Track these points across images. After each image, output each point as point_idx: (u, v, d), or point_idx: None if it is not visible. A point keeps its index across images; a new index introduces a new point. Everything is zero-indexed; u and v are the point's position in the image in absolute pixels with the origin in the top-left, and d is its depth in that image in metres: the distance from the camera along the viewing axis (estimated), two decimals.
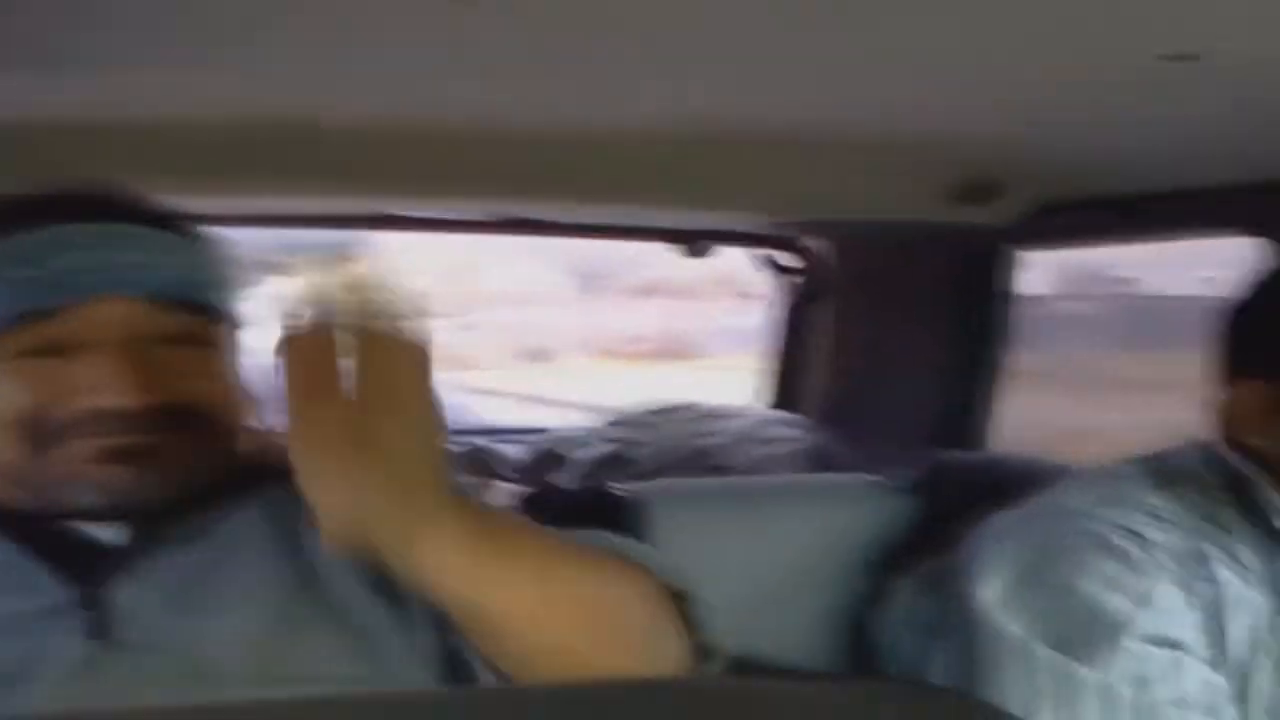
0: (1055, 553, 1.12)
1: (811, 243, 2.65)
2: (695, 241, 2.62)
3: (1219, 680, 1.05)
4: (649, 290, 6.40)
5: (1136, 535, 1.10)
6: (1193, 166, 1.71)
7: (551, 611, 0.84)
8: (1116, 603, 1.06)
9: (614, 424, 2.38)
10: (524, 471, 2.30)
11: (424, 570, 0.79)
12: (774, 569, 1.34)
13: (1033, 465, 1.43)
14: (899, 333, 2.50)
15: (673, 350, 6.16)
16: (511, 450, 2.36)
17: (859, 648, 1.33)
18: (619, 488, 1.39)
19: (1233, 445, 1.18)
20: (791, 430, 2.39)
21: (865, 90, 1.38)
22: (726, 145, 1.67)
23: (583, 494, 1.56)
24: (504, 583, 0.82)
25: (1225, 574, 1.08)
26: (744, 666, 1.21)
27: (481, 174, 1.78)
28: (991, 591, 1.14)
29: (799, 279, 2.71)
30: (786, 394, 2.75)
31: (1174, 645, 1.05)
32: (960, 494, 1.28)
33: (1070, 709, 1.03)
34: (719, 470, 2.19)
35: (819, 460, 2.28)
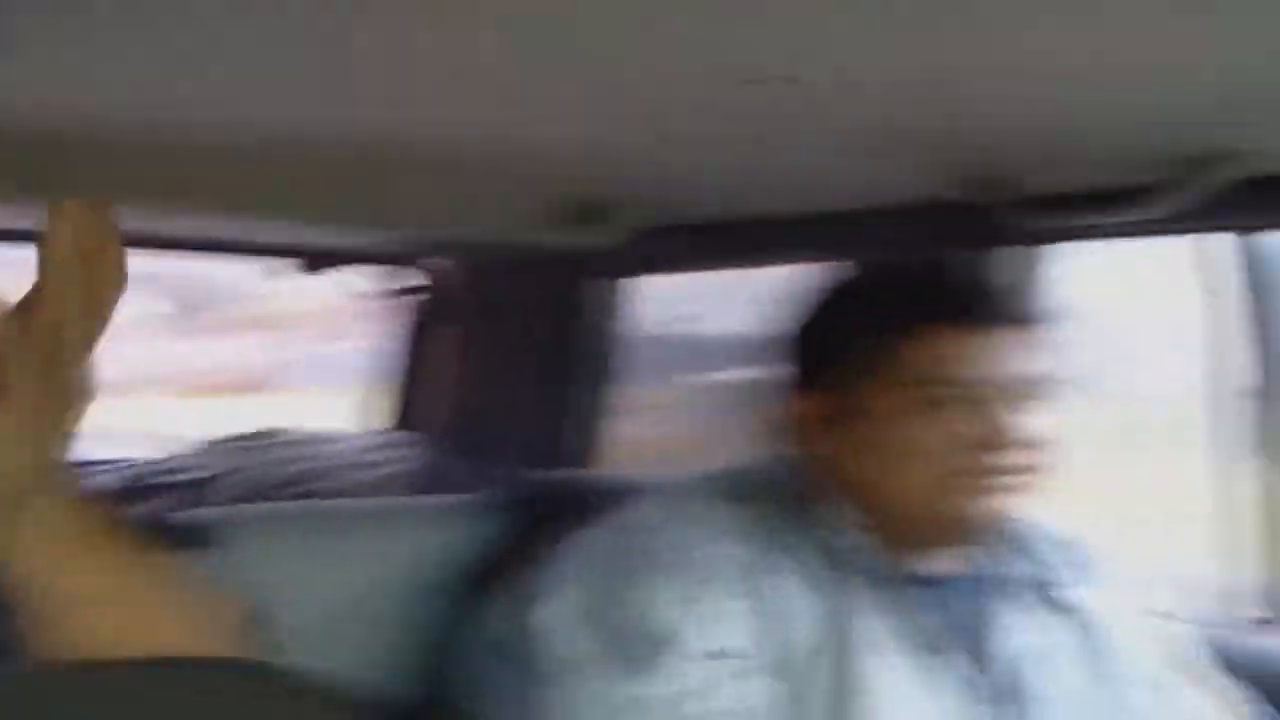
0: (612, 570, 1.13)
1: (432, 263, 2.62)
2: (311, 259, 2.53)
3: (765, 688, 1.07)
4: (245, 322, 6.23)
5: (691, 547, 1.12)
6: (785, 194, 1.79)
7: (120, 610, 0.81)
8: (666, 615, 1.07)
9: (205, 451, 2.26)
10: (110, 500, 2.14)
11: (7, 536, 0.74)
12: (355, 592, 1.29)
13: (623, 482, 1.45)
14: (512, 355, 2.51)
15: (258, 382, 6.02)
16: (98, 479, 2.19)
17: (441, 672, 1.29)
18: (192, 514, 1.30)
19: (798, 457, 1.23)
20: (401, 452, 2.35)
21: (472, 106, 1.36)
22: (341, 157, 1.61)
23: (157, 521, 1.45)
24: (83, 569, 0.77)
25: (780, 583, 1.12)
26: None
27: (63, 179, 1.64)
28: (548, 610, 1.13)
29: (419, 299, 2.68)
30: (409, 416, 2.70)
31: (731, 656, 1.07)
32: (551, 512, 1.27)
33: None
34: (317, 496, 2.11)
35: (430, 482, 2.25)
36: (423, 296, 2.63)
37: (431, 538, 1.39)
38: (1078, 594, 1.27)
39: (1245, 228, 1.60)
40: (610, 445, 2.45)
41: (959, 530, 1.18)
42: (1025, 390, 1.18)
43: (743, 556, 1.12)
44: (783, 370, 1.25)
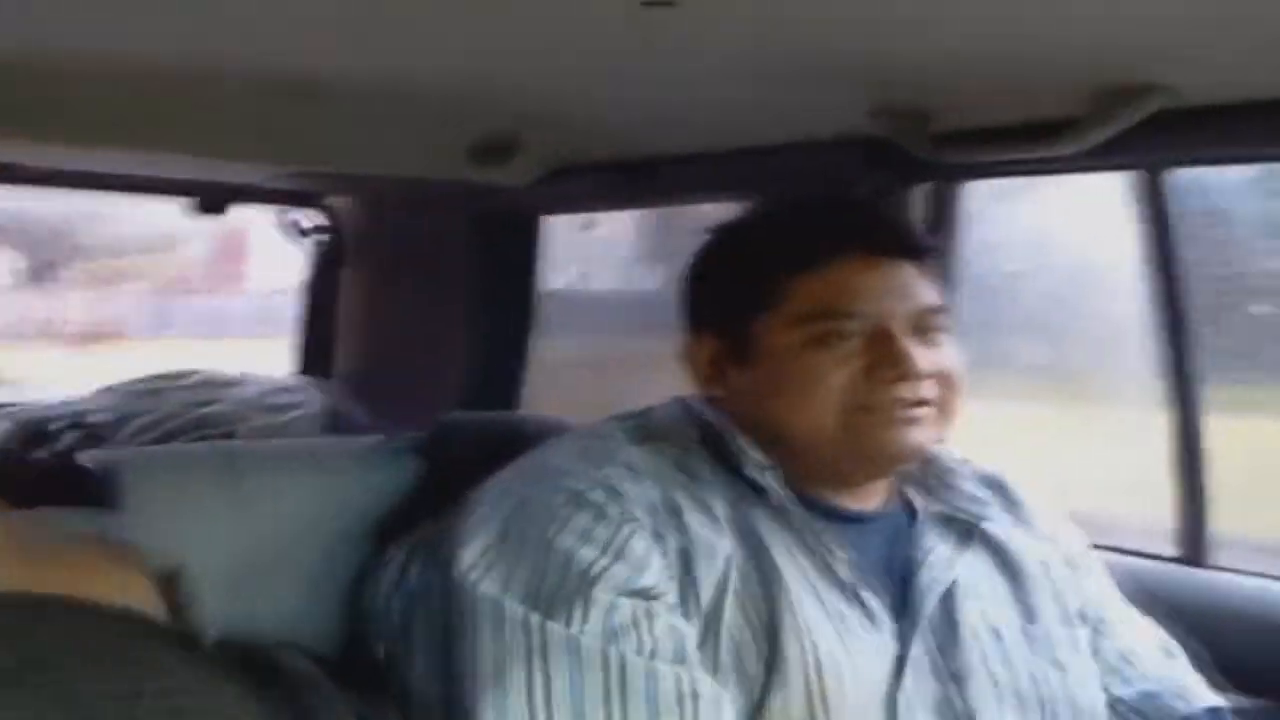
0: (530, 511, 1.11)
1: (336, 202, 2.57)
2: (207, 197, 2.46)
3: (688, 628, 1.07)
4: (108, 274, 6.14)
5: (611, 489, 1.11)
6: (696, 131, 1.77)
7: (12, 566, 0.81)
8: (589, 556, 1.06)
9: (106, 395, 2.19)
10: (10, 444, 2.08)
11: None
12: (263, 536, 1.24)
13: (541, 424, 1.42)
14: (423, 296, 2.47)
15: (114, 332, 5.96)
16: None
17: (356, 618, 1.26)
18: (92, 456, 1.25)
19: (706, 398, 1.22)
20: (307, 395, 2.30)
21: (375, 40, 1.32)
22: (238, 89, 1.55)
23: (55, 466, 1.40)
24: None
25: (696, 523, 1.11)
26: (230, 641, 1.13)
27: None
28: (469, 552, 1.11)
29: (323, 239, 2.62)
30: (315, 359, 2.65)
31: (645, 595, 1.06)
32: (467, 454, 1.24)
33: (542, 665, 1.02)
34: (223, 438, 2.07)
35: (336, 425, 2.21)
36: (326, 237, 2.57)
37: (344, 480, 1.35)
38: (1002, 530, 1.28)
39: (1158, 163, 1.61)
40: (530, 387, 2.43)
41: (869, 464, 1.18)
42: (927, 323, 1.17)
43: (659, 497, 1.11)
44: (682, 313, 1.25)
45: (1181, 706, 1.24)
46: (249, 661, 0.91)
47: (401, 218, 2.47)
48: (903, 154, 1.59)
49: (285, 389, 2.35)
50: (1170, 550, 1.81)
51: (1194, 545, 1.79)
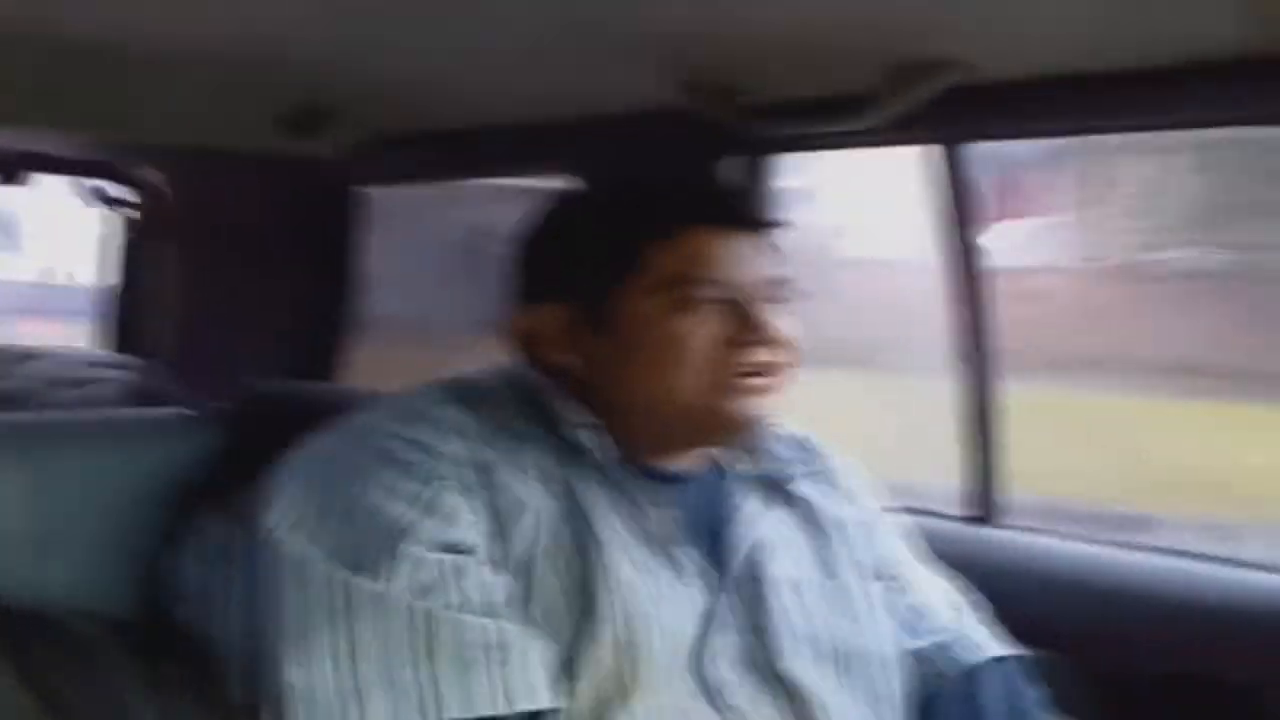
0: (339, 468, 1.10)
1: (147, 173, 2.49)
2: (6, 167, 2.36)
3: (501, 582, 1.07)
4: None
5: (422, 445, 1.10)
6: (511, 103, 1.77)
7: None
8: (397, 511, 1.06)
9: None
10: None
11: None
12: (60, 507, 1.21)
13: (355, 395, 1.41)
14: (241, 269, 2.41)
15: None
16: None
17: (161, 586, 1.24)
18: None
19: (532, 365, 1.23)
20: (116, 370, 2.23)
21: (184, 6, 1.29)
22: (30, 52, 1.49)
23: None
24: None
25: (507, 479, 1.11)
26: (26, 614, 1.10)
27: None
28: (275, 511, 1.10)
29: (134, 212, 2.54)
30: (127, 336, 2.57)
31: (454, 549, 1.06)
32: (278, 424, 1.22)
33: (347, 621, 1.02)
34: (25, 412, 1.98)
35: (147, 399, 2.15)
36: (136, 210, 2.49)
37: (147, 450, 1.32)
38: (807, 489, 1.32)
39: (954, 137, 1.67)
40: (351, 359, 2.40)
41: (718, 428, 1.20)
42: (774, 293, 1.20)
43: (473, 455, 1.11)
44: (518, 282, 1.24)
45: (970, 657, 1.30)
46: (36, 627, 0.89)
47: (214, 189, 2.40)
48: (714, 127, 1.62)
49: (94, 364, 2.27)
50: (962, 511, 1.90)
51: (984, 506, 1.88)
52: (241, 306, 2.40)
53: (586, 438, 1.17)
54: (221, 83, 1.69)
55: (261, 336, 2.38)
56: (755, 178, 1.79)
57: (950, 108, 1.45)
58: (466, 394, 1.19)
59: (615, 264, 1.18)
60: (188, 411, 1.41)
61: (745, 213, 1.24)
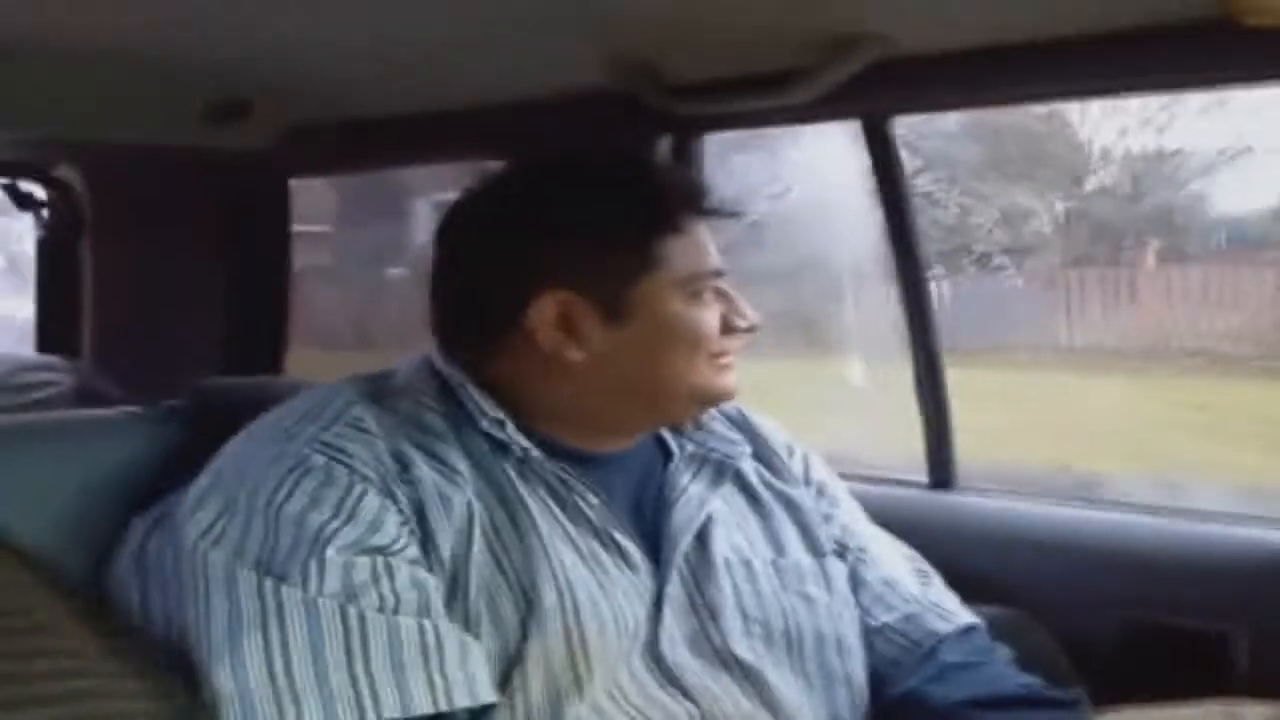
0: (256, 479, 1.09)
1: (64, 171, 2.43)
2: None
3: (431, 580, 1.07)
4: None
5: (340, 450, 1.10)
6: (437, 88, 1.75)
7: None
8: (317, 519, 1.05)
9: None
10: None
11: None
12: (12, 509, 1.18)
13: (301, 388, 1.39)
14: (175, 265, 2.37)
15: None
16: None
17: (98, 588, 1.22)
18: None
19: (447, 358, 1.22)
20: (52, 374, 2.19)
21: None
22: None
23: None
24: None
25: (429, 476, 1.11)
26: None
27: None
28: (197, 522, 1.09)
29: (53, 212, 2.48)
30: (59, 338, 2.51)
31: (380, 552, 1.06)
32: (227, 420, 1.20)
33: (279, 628, 1.01)
34: None
35: (87, 401, 2.11)
36: (54, 209, 2.44)
37: (95, 452, 1.30)
38: (752, 468, 1.32)
39: (882, 111, 1.67)
40: (287, 350, 2.37)
41: (699, 407, 1.26)
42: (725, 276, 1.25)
43: (388, 453, 1.11)
44: (505, 270, 1.20)
45: (941, 626, 1.31)
46: None
47: (143, 185, 2.35)
48: (643, 108, 1.61)
49: (28, 368, 2.22)
50: (921, 478, 1.91)
51: (942, 472, 1.90)
52: (179, 303, 2.36)
53: (506, 431, 1.16)
54: (140, 76, 1.66)
55: (202, 332, 2.34)
56: (686, 157, 1.79)
57: (875, 82, 1.45)
58: (386, 390, 1.19)
59: (634, 258, 1.19)
60: (138, 411, 1.38)
61: (716, 202, 1.27)
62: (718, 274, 1.23)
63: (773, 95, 1.49)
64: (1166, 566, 1.63)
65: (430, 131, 1.91)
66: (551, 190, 1.23)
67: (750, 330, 1.24)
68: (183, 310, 2.36)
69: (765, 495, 1.31)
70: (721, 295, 1.23)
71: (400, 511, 1.08)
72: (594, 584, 1.12)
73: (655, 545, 1.20)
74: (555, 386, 1.19)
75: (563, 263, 1.18)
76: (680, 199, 1.23)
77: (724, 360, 1.23)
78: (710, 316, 1.21)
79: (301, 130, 1.98)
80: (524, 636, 1.08)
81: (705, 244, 1.23)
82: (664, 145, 1.77)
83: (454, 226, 1.24)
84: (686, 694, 1.14)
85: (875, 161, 1.72)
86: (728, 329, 1.22)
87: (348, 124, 1.98)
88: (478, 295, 1.22)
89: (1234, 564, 1.59)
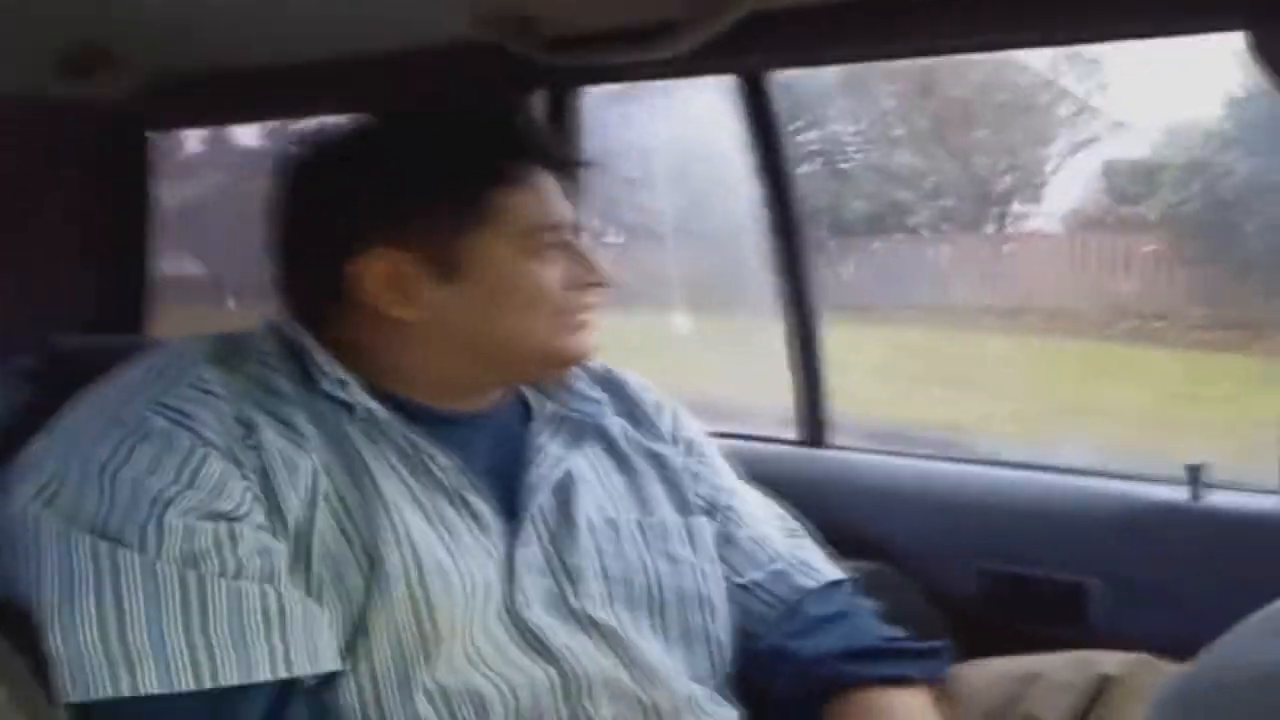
0: (96, 442, 1.05)
1: None
2: None
3: (276, 546, 1.05)
4: None
5: (183, 413, 1.06)
6: (301, 39, 1.70)
7: None
8: (157, 484, 1.02)
9: None
10: None
11: None
12: None
13: (158, 345, 1.35)
14: (32, 221, 2.28)
15: None
16: None
17: None
18: None
19: (294, 318, 1.19)
20: None
21: None
22: None
23: None
24: None
25: (275, 439, 1.08)
26: None
27: None
28: (30, 484, 1.06)
29: None
30: None
31: (224, 518, 1.03)
32: (82, 378, 1.16)
33: (114, 590, 0.98)
34: None
35: None
36: None
37: None
38: (617, 426, 1.31)
39: (756, 66, 1.67)
40: (151, 310, 2.30)
41: (555, 368, 1.23)
42: (579, 233, 1.23)
43: (232, 415, 1.08)
44: (336, 226, 1.17)
45: (807, 582, 1.32)
46: None
47: None
48: (517, 60, 1.59)
49: None
50: (793, 434, 1.93)
51: (814, 429, 1.91)
52: (36, 261, 2.27)
53: (350, 392, 1.14)
54: None
55: (61, 291, 2.26)
56: (562, 111, 1.77)
57: (752, 36, 1.44)
58: (228, 351, 1.15)
59: (466, 210, 1.15)
60: None
61: (566, 154, 1.25)
62: (561, 227, 1.19)
63: (649, 48, 1.48)
64: (1027, 519, 1.68)
65: (297, 84, 1.85)
66: (379, 144, 1.20)
67: (600, 287, 1.21)
68: (42, 267, 2.28)
69: (632, 454, 1.30)
70: (569, 250, 1.20)
71: (245, 477, 1.05)
72: (440, 547, 1.10)
73: (512, 507, 1.18)
74: (396, 347, 1.17)
75: (391, 219, 1.16)
76: (515, 149, 1.19)
77: (575, 319, 1.20)
78: (550, 272, 1.18)
79: (161, 82, 1.90)
80: (368, 602, 1.06)
81: (547, 196, 1.19)
82: (540, 100, 1.75)
83: (284, 183, 1.21)
84: (545, 655, 1.13)
85: (752, 117, 1.71)
86: (575, 286, 1.19)
87: (211, 75, 1.91)
88: (306, 254, 1.19)
89: (1091, 516, 1.64)
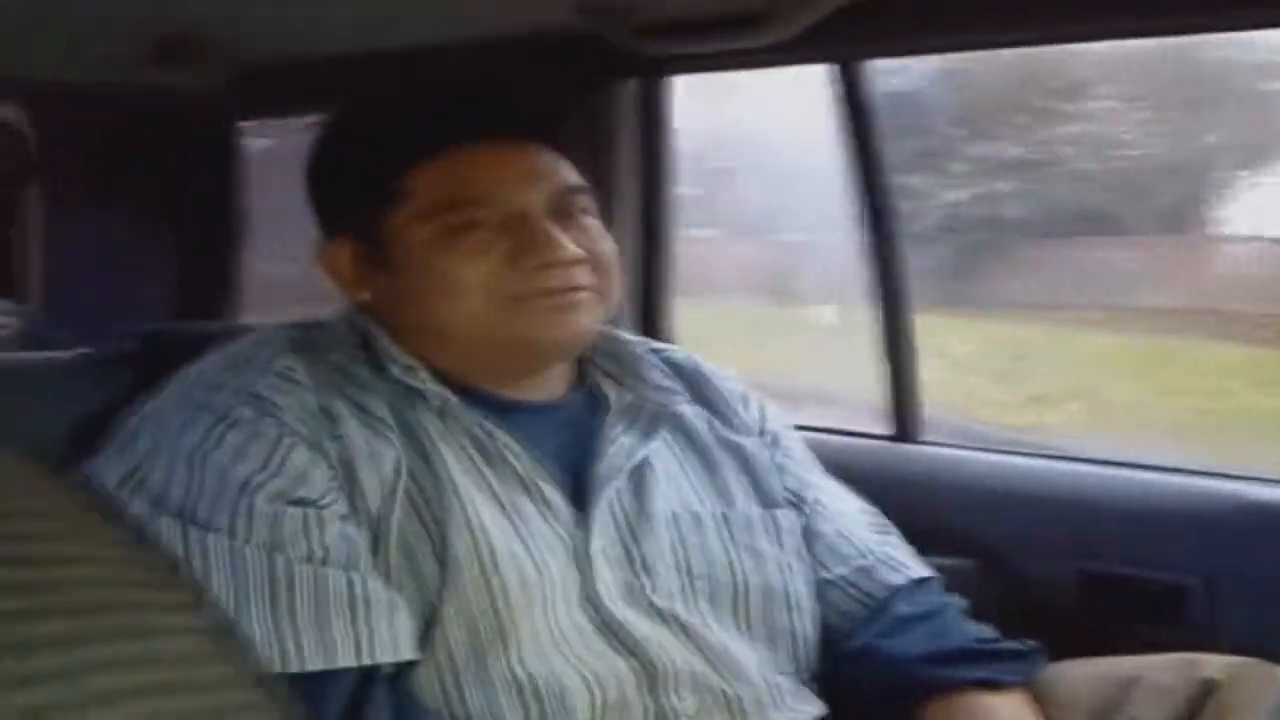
0: (179, 431, 1.06)
1: (9, 112, 2.36)
2: None
3: (359, 535, 1.05)
4: None
5: (262, 402, 1.07)
6: (392, 28, 1.70)
7: None
8: (243, 471, 1.03)
9: None
10: None
11: None
12: None
13: (249, 330, 1.36)
14: (122, 209, 2.31)
15: None
16: None
17: None
18: None
19: (359, 304, 1.19)
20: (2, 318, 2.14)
21: None
22: None
23: None
24: None
25: (357, 430, 1.08)
26: None
27: None
28: (117, 470, 1.07)
29: None
30: (2, 280, 2.45)
31: (309, 504, 1.03)
32: (176, 364, 1.17)
33: (203, 578, 0.99)
34: None
35: (34, 345, 2.06)
36: None
37: (46, 395, 1.27)
38: (694, 415, 1.28)
39: (852, 54, 1.64)
40: (241, 296, 2.32)
41: (527, 354, 1.16)
42: (569, 205, 1.16)
43: (316, 405, 1.08)
44: (315, 218, 1.21)
45: (895, 578, 1.29)
46: None
47: (90, 126, 2.29)
48: (606, 49, 1.58)
49: None
50: (884, 429, 1.90)
51: (905, 423, 1.88)
52: (127, 248, 2.31)
53: (420, 378, 1.13)
54: (84, 12, 1.60)
55: (151, 279, 2.29)
56: (652, 100, 1.76)
57: (847, 24, 1.42)
58: (314, 340, 1.15)
59: (380, 193, 1.14)
60: (88, 353, 1.35)
61: (517, 122, 1.17)
62: (488, 202, 1.12)
63: (742, 36, 1.46)
64: (1125, 518, 1.64)
65: (388, 73, 1.86)
66: (336, 135, 1.21)
67: (555, 267, 1.11)
68: (134, 256, 2.31)
69: (714, 446, 1.27)
70: (516, 228, 1.12)
71: (331, 467, 1.05)
72: (514, 535, 1.09)
73: (581, 497, 1.16)
74: (403, 334, 1.17)
75: (339, 208, 1.18)
76: (435, 123, 1.15)
77: (536, 303, 1.12)
78: (477, 252, 1.11)
79: (251, 71, 1.92)
80: (442, 589, 1.05)
81: (470, 170, 1.13)
82: (630, 88, 1.74)
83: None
84: (628, 646, 1.11)
85: (847, 107, 1.69)
86: (524, 266, 1.11)
87: (300, 65, 1.92)
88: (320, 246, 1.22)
89: (1193, 516, 1.59)
